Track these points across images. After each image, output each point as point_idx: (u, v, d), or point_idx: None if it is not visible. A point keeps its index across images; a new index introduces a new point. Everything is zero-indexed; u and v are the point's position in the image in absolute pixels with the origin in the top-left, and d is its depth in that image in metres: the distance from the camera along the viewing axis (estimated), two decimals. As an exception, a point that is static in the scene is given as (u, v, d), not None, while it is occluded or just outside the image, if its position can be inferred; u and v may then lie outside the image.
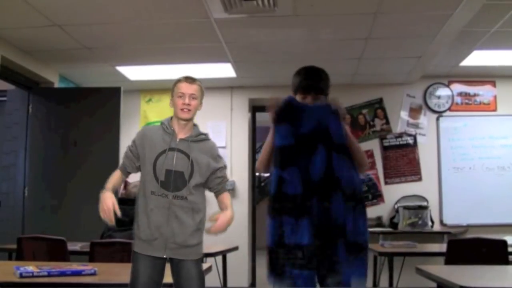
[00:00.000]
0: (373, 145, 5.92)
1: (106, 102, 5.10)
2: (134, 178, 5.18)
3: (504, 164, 5.71)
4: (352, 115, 5.98)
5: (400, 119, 5.94)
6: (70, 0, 3.61)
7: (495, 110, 5.87)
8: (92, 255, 2.77)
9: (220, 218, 2.31)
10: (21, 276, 1.96)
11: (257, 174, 7.38)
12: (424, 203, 5.64)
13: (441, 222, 5.70)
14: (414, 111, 5.94)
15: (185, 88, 2.33)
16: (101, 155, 4.95)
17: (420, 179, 5.83)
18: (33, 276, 1.98)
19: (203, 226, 2.35)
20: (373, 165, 5.88)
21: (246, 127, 6.13)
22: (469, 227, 5.59)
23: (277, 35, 4.36)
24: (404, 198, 5.73)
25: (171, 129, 2.34)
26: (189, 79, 2.36)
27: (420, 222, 5.47)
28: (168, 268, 2.23)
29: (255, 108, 6.43)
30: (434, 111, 5.91)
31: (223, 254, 3.97)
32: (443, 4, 3.68)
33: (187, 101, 2.31)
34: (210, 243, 4.36)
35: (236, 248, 4.23)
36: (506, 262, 3.04)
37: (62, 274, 2.04)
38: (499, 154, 5.73)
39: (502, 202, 5.59)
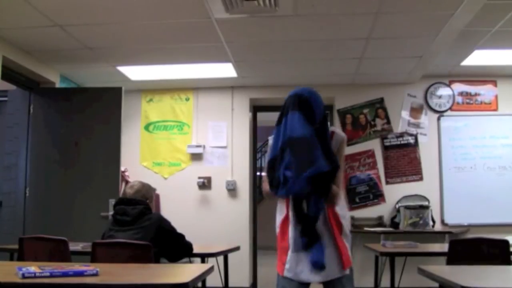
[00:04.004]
0: (374, 145, 5.93)
1: (107, 102, 5.09)
2: (133, 178, 5.19)
3: (505, 164, 5.71)
4: (353, 115, 5.98)
5: (401, 119, 5.94)
6: (71, 0, 3.61)
7: (496, 109, 5.87)
8: (93, 256, 2.77)
9: None
10: (23, 276, 1.96)
11: (257, 173, 7.38)
12: (425, 203, 5.64)
13: (442, 221, 5.70)
14: (415, 111, 5.94)
15: None
16: (102, 155, 4.97)
17: (421, 178, 5.83)
18: (35, 277, 1.97)
19: None
20: (374, 165, 5.88)
21: (247, 127, 6.13)
22: (470, 227, 5.59)
23: (278, 35, 4.36)
24: (405, 197, 5.73)
25: None
26: None
27: (421, 222, 5.46)
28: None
29: (256, 108, 6.43)
30: (435, 111, 5.91)
31: (225, 254, 3.97)
32: (444, 4, 3.68)
33: None
34: (212, 243, 4.38)
35: (237, 248, 4.23)
36: (508, 262, 3.04)
37: (65, 274, 2.03)
38: (500, 153, 5.73)
39: (503, 201, 5.59)
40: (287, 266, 2.56)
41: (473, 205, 5.64)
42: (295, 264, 2.54)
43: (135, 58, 5.04)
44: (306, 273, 2.51)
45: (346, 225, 2.63)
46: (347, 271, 2.55)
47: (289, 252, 2.57)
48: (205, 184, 5.98)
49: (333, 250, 2.52)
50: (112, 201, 4.63)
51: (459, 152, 5.80)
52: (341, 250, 2.53)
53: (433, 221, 5.60)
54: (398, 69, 5.43)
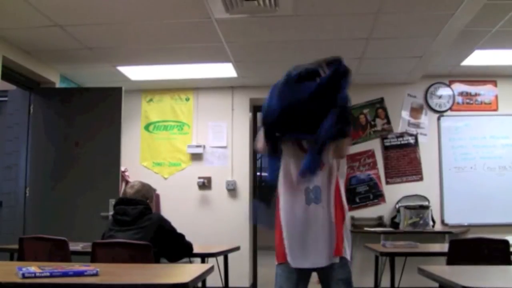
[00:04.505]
0: (374, 145, 5.93)
1: (107, 102, 5.10)
2: (133, 178, 5.18)
3: (505, 164, 5.71)
4: (353, 115, 5.98)
5: (401, 119, 5.94)
6: (71, 0, 3.61)
7: (496, 109, 5.87)
8: (93, 256, 2.77)
9: None
10: (23, 276, 1.96)
11: (258, 173, 7.37)
12: (425, 203, 5.64)
13: (442, 222, 5.70)
14: (415, 111, 5.94)
15: None
16: (102, 155, 4.96)
17: (421, 179, 5.83)
18: (35, 277, 1.97)
19: None
20: (374, 165, 5.88)
21: (247, 127, 6.13)
22: (470, 227, 5.59)
23: (278, 35, 4.36)
24: (405, 198, 5.73)
25: None
26: None
27: (421, 222, 5.46)
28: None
29: (256, 108, 6.43)
30: (435, 111, 5.91)
31: (225, 254, 3.97)
32: (444, 4, 3.68)
33: None
34: (212, 243, 4.38)
35: (237, 248, 4.23)
36: (508, 262, 3.04)
37: (65, 274, 2.03)
38: (500, 153, 5.73)
39: (503, 201, 5.59)
40: (287, 251, 2.53)
41: (473, 205, 5.64)
42: (297, 248, 2.52)
43: (135, 58, 5.04)
44: (303, 259, 2.50)
45: (347, 217, 2.65)
46: (337, 259, 2.52)
47: (284, 234, 2.55)
48: (205, 184, 5.98)
49: (332, 237, 2.51)
50: (112, 201, 4.63)
51: (459, 152, 5.80)
52: (337, 237, 2.52)
53: (433, 221, 5.60)
54: (398, 69, 5.43)
